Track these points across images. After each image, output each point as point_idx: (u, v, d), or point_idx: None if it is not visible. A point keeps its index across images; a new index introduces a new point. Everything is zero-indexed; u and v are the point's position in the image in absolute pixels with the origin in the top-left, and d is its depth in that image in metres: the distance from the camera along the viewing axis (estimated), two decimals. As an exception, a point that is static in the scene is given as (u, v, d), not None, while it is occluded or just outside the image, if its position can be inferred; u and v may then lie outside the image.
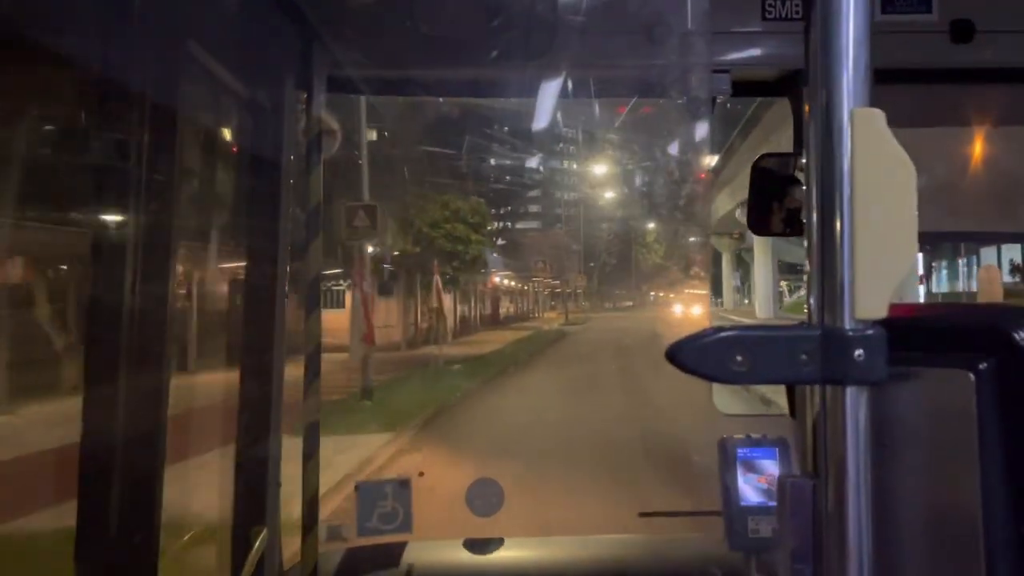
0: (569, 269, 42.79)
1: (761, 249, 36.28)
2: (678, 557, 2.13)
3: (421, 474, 2.29)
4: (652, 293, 58.08)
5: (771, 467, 1.90)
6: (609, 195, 46.77)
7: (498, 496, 2.25)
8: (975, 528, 0.69)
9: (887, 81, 1.89)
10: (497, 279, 36.21)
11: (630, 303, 56.94)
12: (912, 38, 1.79)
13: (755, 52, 1.88)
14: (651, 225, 48.40)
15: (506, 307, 41.66)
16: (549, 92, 2.01)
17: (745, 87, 1.95)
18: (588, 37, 1.85)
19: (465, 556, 2.12)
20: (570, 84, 2.01)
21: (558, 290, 45.89)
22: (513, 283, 40.79)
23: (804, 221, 1.91)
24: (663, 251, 49.64)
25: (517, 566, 2.14)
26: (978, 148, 2.03)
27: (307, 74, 1.98)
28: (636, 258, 51.68)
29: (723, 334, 0.65)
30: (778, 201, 1.90)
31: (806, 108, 0.67)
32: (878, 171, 0.63)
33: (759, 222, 1.93)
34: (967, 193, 1.95)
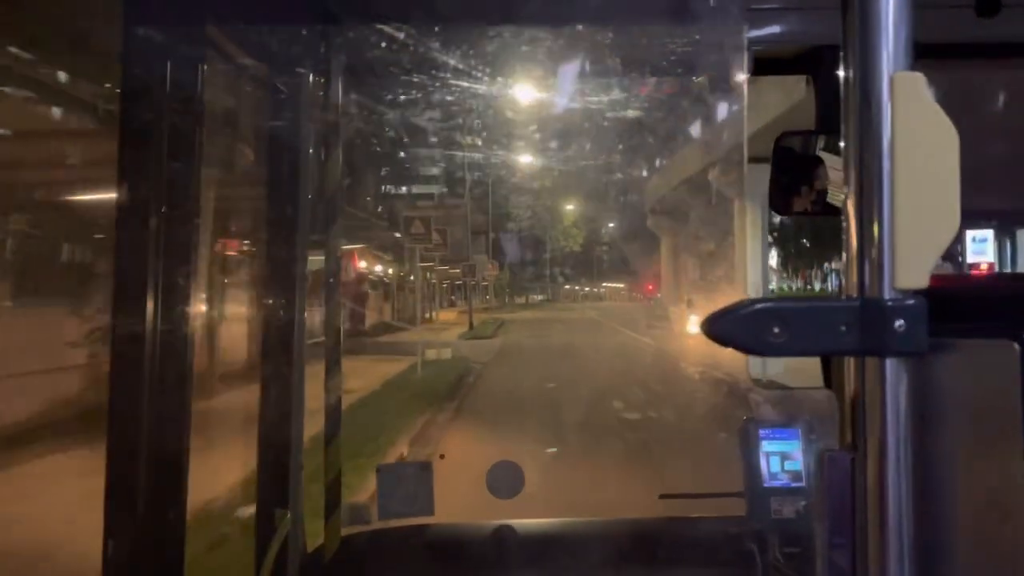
0: (475, 253, 30.20)
1: (752, 232, 33.29)
2: (700, 538, 2.12)
3: (442, 456, 2.29)
4: (568, 287, 52.41)
5: (794, 448, 1.90)
6: (526, 162, 38.65)
7: (519, 478, 2.26)
8: (1019, 505, 0.68)
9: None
10: (362, 263, 22.68)
11: (542, 297, 50.45)
12: (935, 12, 1.75)
13: (776, 29, 1.85)
14: (570, 207, 40.07)
15: (379, 307, 26.44)
16: (566, 71, 1.99)
17: (766, 65, 1.92)
18: (605, 15, 1.83)
19: (486, 538, 2.13)
20: (586, 63, 1.99)
21: (459, 282, 34.41)
22: (392, 269, 27.40)
23: (830, 199, 1.88)
24: (583, 237, 42.53)
25: (538, 548, 2.14)
26: (1003, 125, 1.99)
27: (326, 60, 1.98)
28: (552, 245, 43.12)
29: (759, 306, 0.64)
30: (801, 180, 1.87)
31: (848, 74, 0.65)
32: (920, 136, 0.62)
33: (781, 202, 1.91)
34: (991, 171, 1.91)
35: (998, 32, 1.77)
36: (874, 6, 0.63)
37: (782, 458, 1.90)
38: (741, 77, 1.89)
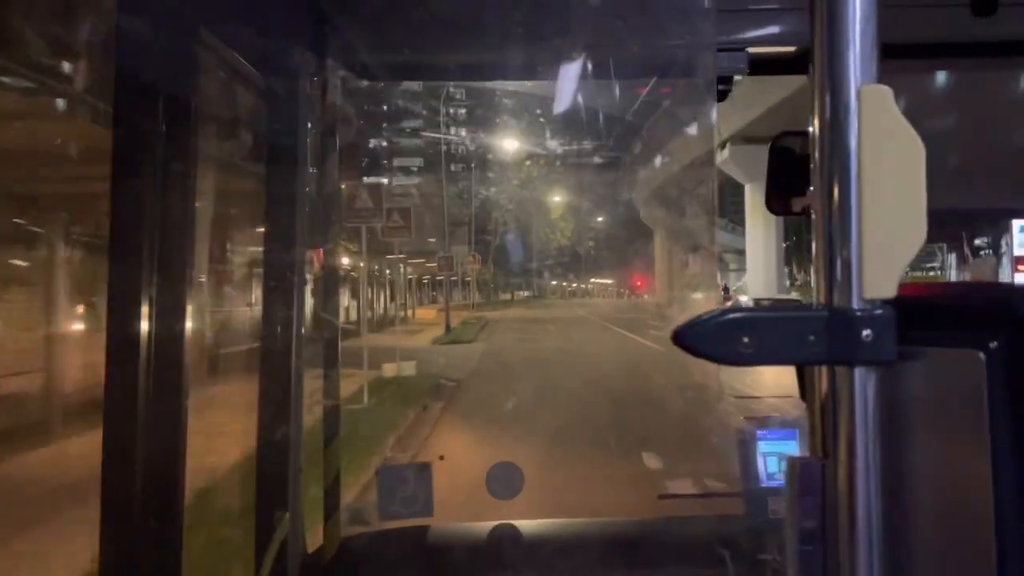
0: (455, 245, 26.22)
1: (762, 228, 29.94)
2: (699, 538, 2.13)
3: (441, 457, 2.30)
4: (555, 282, 50.77)
5: (791, 448, 1.90)
6: (510, 148, 32.74)
7: (518, 479, 2.26)
8: (986, 509, 0.68)
9: (908, 56, 1.86)
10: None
11: (527, 293, 48.55)
12: (933, 11, 1.75)
13: (773, 29, 1.86)
14: (557, 198, 38.69)
15: (346, 305, 20.69)
16: (565, 74, 1.99)
17: (762, 65, 1.92)
18: (604, 17, 1.83)
19: (486, 539, 2.14)
20: (587, 65, 1.99)
21: (439, 277, 30.31)
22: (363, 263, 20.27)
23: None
24: (571, 230, 40.25)
25: (537, 549, 2.15)
26: (1002, 124, 1.99)
27: (322, 61, 1.98)
28: (538, 238, 40.57)
29: (730, 316, 0.65)
30: (798, 180, 1.87)
31: (815, 84, 0.65)
32: (887, 149, 0.62)
33: (777, 202, 1.91)
34: (990, 169, 1.91)
35: (995, 31, 1.77)
36: (841, 17, 0.63)
37: (779, 458, 1.90)
38: (740, 73, 1.89)
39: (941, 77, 1.88)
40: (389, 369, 12.23)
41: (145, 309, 1.46)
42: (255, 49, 1.89)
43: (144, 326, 1.46)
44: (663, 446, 6.19)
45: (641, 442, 6.71)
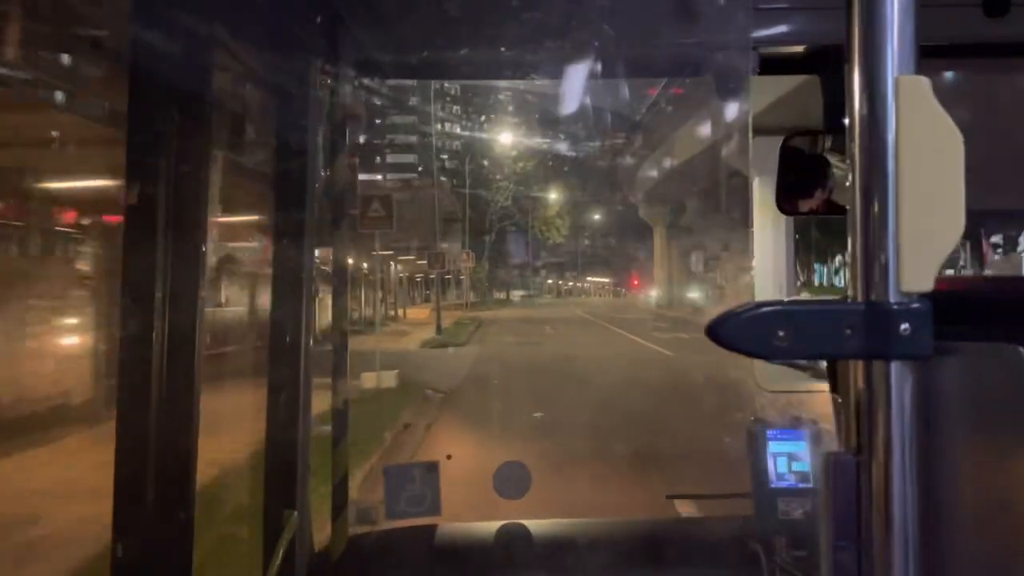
0: (448, 242, 25.69)
1: (771, 225, 30.38)
2: (707, 539, 2.12)
3: (449, 457, 2.30)
4: (551, 281, 49.42)
5: (802, 450, 1.89)
6: (504, 140, 32.24)
7: (525, 479, 2.26)
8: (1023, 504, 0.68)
9: (920, 56, 1.85)
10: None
11: (523, 292, 45.78)
12: (944, 12, 1.75)
13: (785, 28, 1.85)
14: (554, 195, 37.70)
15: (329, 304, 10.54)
16: (577, 72, 1.99)
17: (775, 64, 1.92)
18: (616, 16, 1.83)
19: (493, 538, 2.13)
20: (595, 64, 1.99)
21: (431, 275, 28.18)
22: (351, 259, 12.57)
23: (836, 198, 1.87)
24: (567, 227, 39.92)
25: (545, 549, 2.14)
26: (1013, 125, 1.99)
27: (333, 58, 1.98)
28: (535, 236, 40.02)
29: (764, 309, 0.64)
30: (808, 180, 1.87)
31: (852, 76, 0.65)
32: (925, 140, 0.62)
33: (788, 202, 1.91)
34: (1002, 169, 1.91)
35: (1006, 32, 1.76)
36: (879, 8, 0.63)
37: (789, 459, 1.90)
38: (750, 73, 1.89)
39: (953, 77, 1.88)
40: (368, 380, 10.49)
41: (159, 307, 1.47)
42: (267, 47, 1.89)
43: (157, 324, 1.46)
44: (691, 481, 5.39)
45: (666, 480, 6.01)
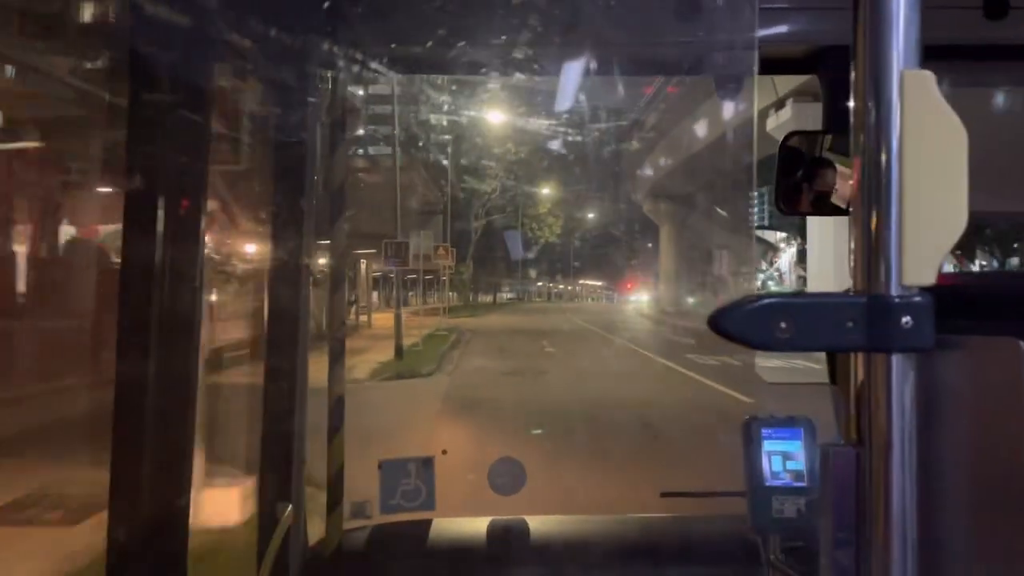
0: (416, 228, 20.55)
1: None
2: (701, 536, 2.13)
3: (444, 452, 2.30)
4: (540, 283, 48.16)
5: (796, 447, 1.90)
6: (494, 118, 26.58)
7: (520, 475, 2.26)
8: (1023, 499, 0.68)
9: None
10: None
11: (511, 295, 44.03)
12: (943, 13, 1.75)
13: (784, 28, 1.86)
14: (546, 191, 35.35)
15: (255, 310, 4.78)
16: (575, 70, 1.99)
17: (773, 64, 1.93)
18: (617, 13, 1.83)
19: (488, 534, 2.14)
20: (592, 61, 2.00)
21: (411, 275, 25.61)
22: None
23: (836, 199, 1.87)
24: (559, 226, 38.15)
25: (539, 544, 2.15)
26: (1009, 127, 2.00)
27: (331, 53, 1.98)
28: (525, 234, 37.62)
29: (767, 301, 0.65)
30: (807, 180, 1.88)
31: (858, 70, 0.65)
32: (928, 133, 0.62)
33: (787, 201, 1.91)
34: (999, 172, 1.92)
35: (1006, 34, 1.77)
36: (885, 5, 0.64)
37: (784, 457, 1.90)
38: (750, 72, 1.89)
39: (952, 80, 1.88)
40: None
41: (156, 302, 1.47)
42: (266, 41, 1.88)
43: (155, 319, 1.47)
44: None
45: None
